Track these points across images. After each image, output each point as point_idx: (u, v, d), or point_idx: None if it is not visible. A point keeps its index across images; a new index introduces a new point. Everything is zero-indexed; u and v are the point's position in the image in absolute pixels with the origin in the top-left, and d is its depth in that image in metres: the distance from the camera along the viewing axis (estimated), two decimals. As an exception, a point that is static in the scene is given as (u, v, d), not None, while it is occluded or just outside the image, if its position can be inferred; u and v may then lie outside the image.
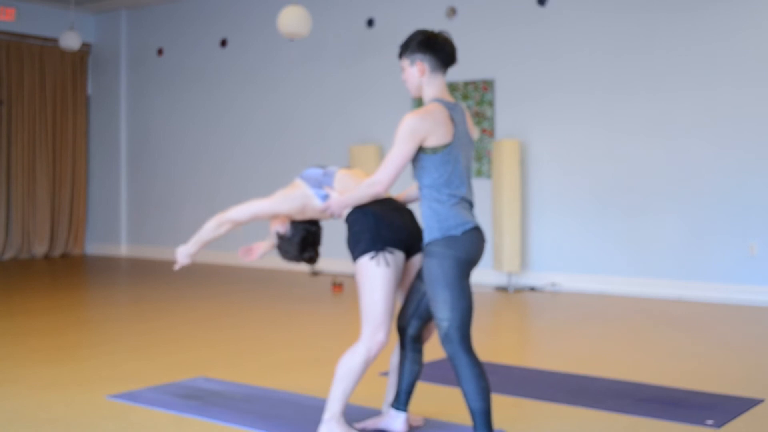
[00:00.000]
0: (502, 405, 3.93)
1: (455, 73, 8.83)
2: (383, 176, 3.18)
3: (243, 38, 10.64)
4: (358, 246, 3.31)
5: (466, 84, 8.75)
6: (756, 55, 7.28)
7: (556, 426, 3.68)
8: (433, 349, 4.72)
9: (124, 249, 11.83)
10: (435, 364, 4.69)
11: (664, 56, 7.70)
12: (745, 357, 5.19)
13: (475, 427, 3.16)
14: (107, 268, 10.50)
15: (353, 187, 3.39)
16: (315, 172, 3.55)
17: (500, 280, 8.47)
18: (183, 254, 3.73)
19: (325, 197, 3.47)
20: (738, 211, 7.35)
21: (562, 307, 7.22)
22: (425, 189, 3.20)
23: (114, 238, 11.90)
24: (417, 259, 3.44)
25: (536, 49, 8.39)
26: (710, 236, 7.48)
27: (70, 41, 10.23)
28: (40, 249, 11.46)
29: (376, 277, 3.25)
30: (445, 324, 3.13)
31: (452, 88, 8.82)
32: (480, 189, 8.65)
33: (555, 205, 8.28)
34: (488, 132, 8.64)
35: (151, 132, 11.61)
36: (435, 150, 3.14)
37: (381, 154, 9.22)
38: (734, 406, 3.95)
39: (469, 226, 3.17)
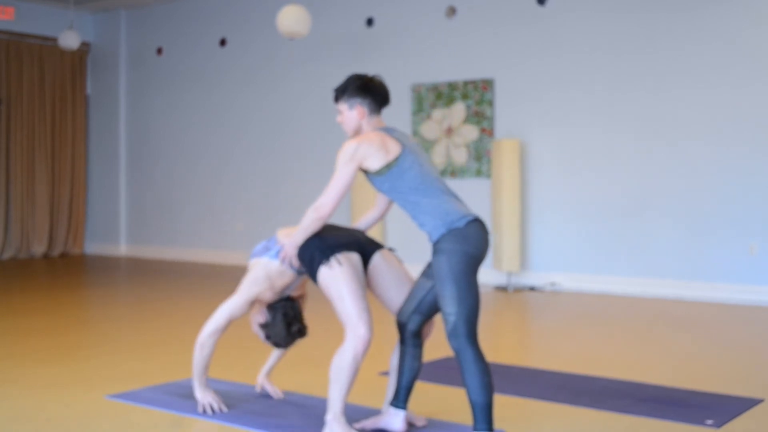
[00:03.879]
0: (501, 405, 3.92)
1: (455, 73, 8.84)
2: (327, 199, 3.31)
3: (242, 38, 10.63)
4: (312, 266, 3.41)
5: (466, 83, 8.75)
6: (756, 55, 7.28)
7: (556, 426, 3.68)
8: (433, 350, 4.72)
9: (123, 249, 11.82)
10: (435, 364, 4.69)
11: (664, 56, 7.69)
12: (745, 357, 5.19)
13: (475, 422, 3.17)
14: (106, 267, 10.49)
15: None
16: (260, 244, 3.75)
17: (500, 279, 8.47)
18: (200, 395, 3.78)
19: (278, 255, 3.62)
20: (738, 211, 7.35)
21: (562, 307, 7.22)
22: (411, 200, 3.29)
23: (113, 238, 11.90)
24: (377, 260, 3.51)
25: (536, 49, 8.38)
26: (710, 236, 7.47)
27: (70, 40, 10.21)
28: (39, 248, 11.46)
29: (335, 279, 3.32)
30: (452, 318, 3.16)
31: (452, 87, 8.83)
32: (479, 189, 8.65)
33: (555, 205, 8.28)
34: (488, 131, 8.64)
35: (151, 131, 11.60)
36: (389, 166, 3.28)
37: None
38: (734, 406, 3.95)
39: (471, 218, 3.25)
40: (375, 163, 3.27)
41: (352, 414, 3.65)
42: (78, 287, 8.77)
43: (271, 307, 3.72)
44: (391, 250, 3.61)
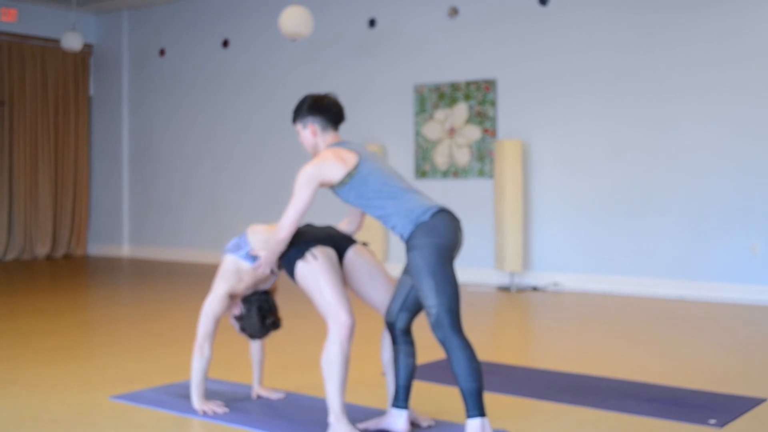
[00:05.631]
0: (504, 405, 3.93)
1: (457, 73, 8.84)
2: (285, 222, 3.39)
3: (245, 39, 10.64)
4: (289, 263, 3.48)
5: (468, 84, 8.75)
6: (759, 55, 7.27)
7: (559, 426, 3.68)
8: (433, 350, 4.72)
9: (126, 249, 11.83)
10: (435, 365, 4.69)
11: (667, 56, 7.69)
12: (748, 356, 5.19)
13: (467, 408, 3.21)
14: (109, 268, 10.50)
15: (269, 240, 3.64)
16: (232, 241, 3.83)
17: (502, 279, 8.47)
18: (199, 406, 3.80)
19: (248, 255, 3.71)
20: (740, 211, 7.34)
21: (565, 307, 7.22)
22: (377, 205, 3.35)
23: (116, 239, 11.91)
24: (351, 255, 3.56)
25: (538, 49, 8.38)
26: (712, 236, 7.47)
27: (72, 42, 10.23)
28: (42, 250, 11.47)
29: (312, 272, 3.40)
30: (433, 310, 3.21)
31: (454, 88, 8.83)
32: (482, 189, 8.66)
33: (557, 205, 8.28)
34: (490, 132, 8.64)
35: (153, 132, 11.61)
36: (350, 175, 3.36)
37: (382, 154, 9.22)
38: (737, 406, 3.95)
39: (435, 209, 3.32)
40: (336, 174, 3.35)
41: (355, 414, 3.65)
42: (81, 288, 8.78)
43: (246, 300, 3.80)
44: (364, 244, 3.66)
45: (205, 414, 3.76)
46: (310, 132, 3.51)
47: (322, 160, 3.38)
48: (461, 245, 3.35)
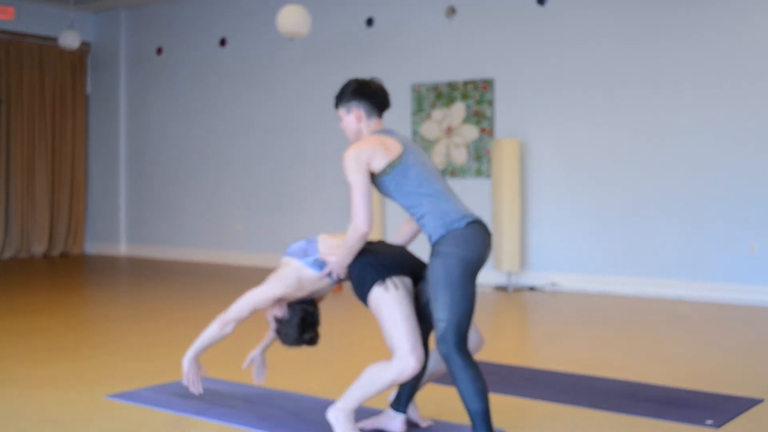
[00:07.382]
0: (501, 405, 3.93)
1: (455, 73, 8.84)
2: (360, 213, 3.20)
3: (242, 38, 10.63)
4: (365, 285, 3.30)
5: (466, 83, 8.75)
6: (759, 54, 7.28)
7: (556, 426, 3.68)
8: (433, 349, 4.72)
9: (123, 248, 11.82)
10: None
11: (665, 55, 7.69)
12: (745, 357, 5.19)
13: (474, 428, 3.13)
14: (106, 267, 10.49)
15: (340, 246, 3.43)
16: (298, 244, 3.61)
17: (500, 279, 8.47)
18: (187, 366, 3.67)
19: (315, 263, 3.50)
20: (738, 211, 7.35)
21: (562, 307, 7.22)
22: (414, 201, 3.23)
23: (113, 238, 11.90)
24: (424, 283, 3.43)
25: (536, 49, 8.38)
26: (711, 236, 7.47)
27: (70, 40, 10.22)
28: (39, 248, 11.45)
29: (390, 301, 3.23)
30: (442, 325, 3.11)
31: (452, 87, 8.82)
32: (479, 188, 8.66)
33: (555, 205, 8.28)
34: (488, 131, 8.64)
35: (151, 131, 11.60)
36: (393, 165, 3.23)
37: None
38: (734, 406, 3.95)
39: (471, 218, 3.20)
40: (379, 162, 3.22)
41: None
42: (78, 287, 8.77)
43: (293, 306, 3.62)
44: None
45: (187, 380, 3.66)
46: (355, 117, 3.37)
47: (364, 144, 3.25)
48: (486, 261, 3.21)
